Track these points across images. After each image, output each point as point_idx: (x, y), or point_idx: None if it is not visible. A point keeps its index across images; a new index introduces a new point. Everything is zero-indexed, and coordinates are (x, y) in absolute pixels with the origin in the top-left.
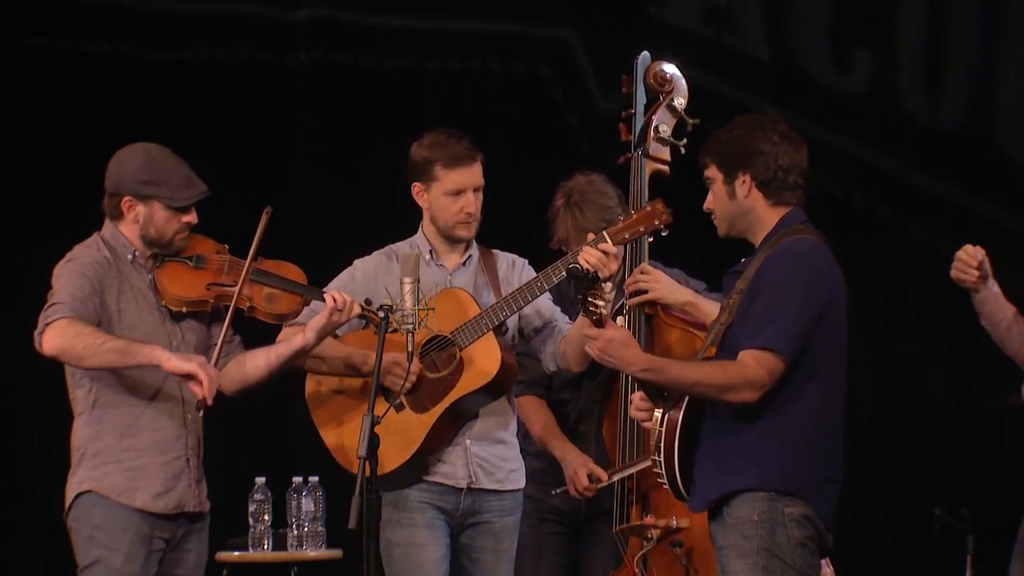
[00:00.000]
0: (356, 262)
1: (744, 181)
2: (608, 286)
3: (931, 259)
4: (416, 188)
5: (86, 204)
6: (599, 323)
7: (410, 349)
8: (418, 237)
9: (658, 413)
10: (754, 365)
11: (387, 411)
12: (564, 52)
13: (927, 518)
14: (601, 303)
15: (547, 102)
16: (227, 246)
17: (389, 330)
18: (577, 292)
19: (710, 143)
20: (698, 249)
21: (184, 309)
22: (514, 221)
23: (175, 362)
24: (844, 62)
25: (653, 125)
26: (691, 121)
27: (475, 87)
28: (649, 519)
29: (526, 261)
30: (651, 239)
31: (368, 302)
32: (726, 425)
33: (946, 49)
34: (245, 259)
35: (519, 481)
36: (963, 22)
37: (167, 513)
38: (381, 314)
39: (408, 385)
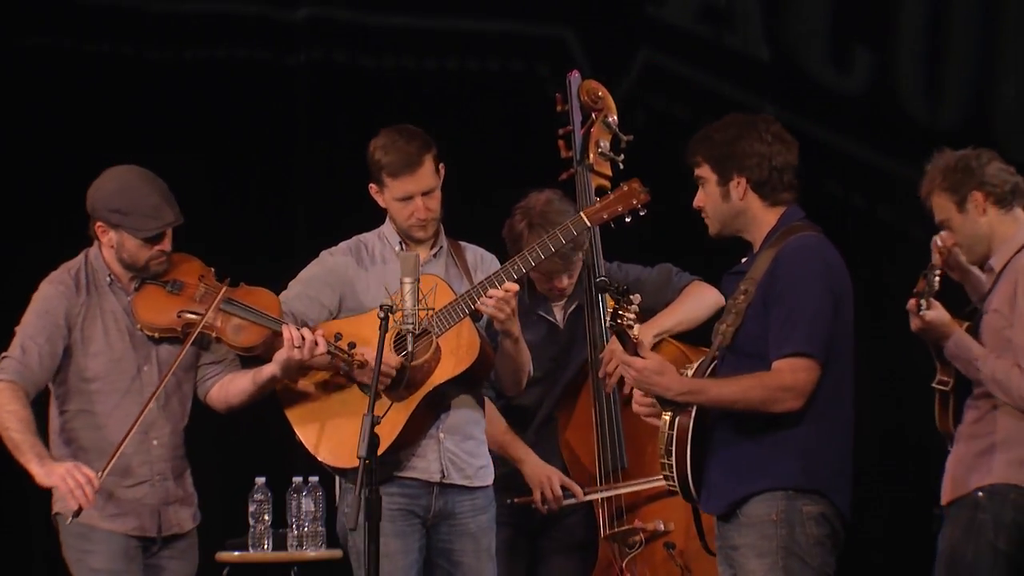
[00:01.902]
0: (323, 253)
1: (739, 183)
2: (637, 297)
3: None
4: (372, 189)
5: (86, 205)
6: (628, 344)
7: (410, 349)
8: (387, 229)
9: (667, 415)
10: (790, 372)
11: (387, 412)
12: (561, 51)
13: (927, 518)
14: (631, 315)
15: (544, 101)
16: (212, 269)
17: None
18: (603, 291)
19: (702, 141)
20: (697, 247)
21: (156, 335)
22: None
23: (40, 476)
24: (844, 62)
25: (594, 140)
26: (625, 137)
27: (473, 86)
28: (637, 523)
29: (494, 256)
30: (629, 219)
31: (338, 337)
32: (742, 426)
33: (946, 49)
34: (234, 289)
35: (488, 478)
36: (963, 22)
37: (129, 534)
38: (381, 314)
39: (386, 380)
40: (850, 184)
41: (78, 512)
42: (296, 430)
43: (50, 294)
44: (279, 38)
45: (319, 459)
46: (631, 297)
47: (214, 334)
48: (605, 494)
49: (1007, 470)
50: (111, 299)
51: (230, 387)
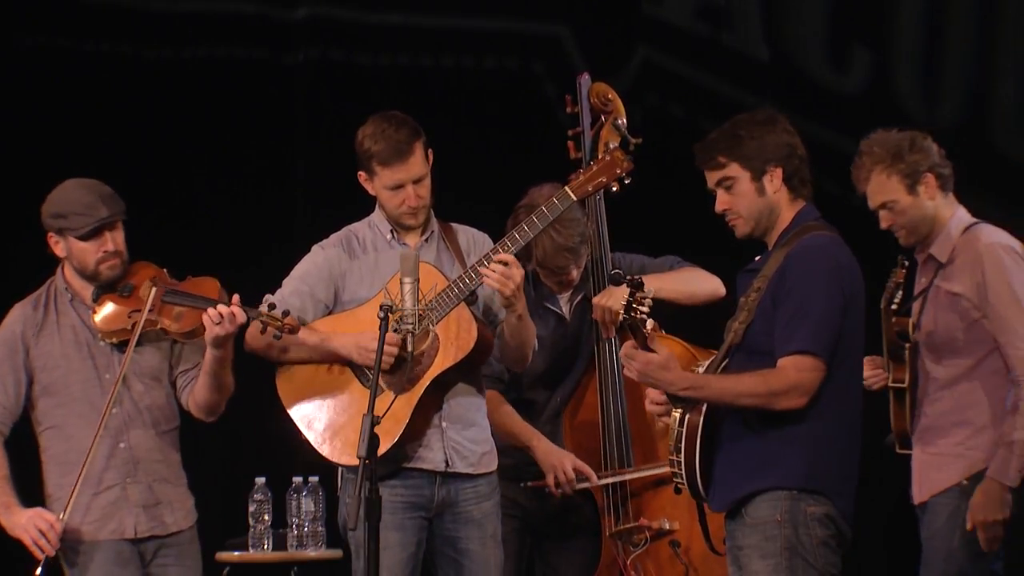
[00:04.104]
0: (314, 248)
1: (773, 177)
2: (651, 290)
3: None
4: (361, 176)
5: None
6: (639, 336)
7: (410, 349)
8: (377, 217)
9: (677, 413)
10: (794, 370)
11: (387, 411)
12: (557, 49)
13: None
14: (645, 309)
15: (540, 99)
16: (165, 270)
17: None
18: (617, 283)
19: (725, 142)
20: (697, 243)
21: (114, 340)
22: (506, 216)
23: (9, 531)
24: (842, 61)
25: (604, 141)
26: (633, 140)
27: (470, 84)
28: (643, 521)
29: (486, 235)
30: (616, 188)
31: (272, 307)
32: (749, 425)
33: (944, 48)
34: (178, 282)
35: (492, 464)
36: (961, 21)
37: (108, 539)
38: (381, 314)
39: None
40: (848, 184)
41: (45, 564)
42: (300, 428)
43: (11, 318)
44: (277, 37)
45: (324, 456)
46: (645, 290)
47: (158, 327)
48: (615, 479)
49: (988, 454)
50: (71, 315)
51: (194, 388)
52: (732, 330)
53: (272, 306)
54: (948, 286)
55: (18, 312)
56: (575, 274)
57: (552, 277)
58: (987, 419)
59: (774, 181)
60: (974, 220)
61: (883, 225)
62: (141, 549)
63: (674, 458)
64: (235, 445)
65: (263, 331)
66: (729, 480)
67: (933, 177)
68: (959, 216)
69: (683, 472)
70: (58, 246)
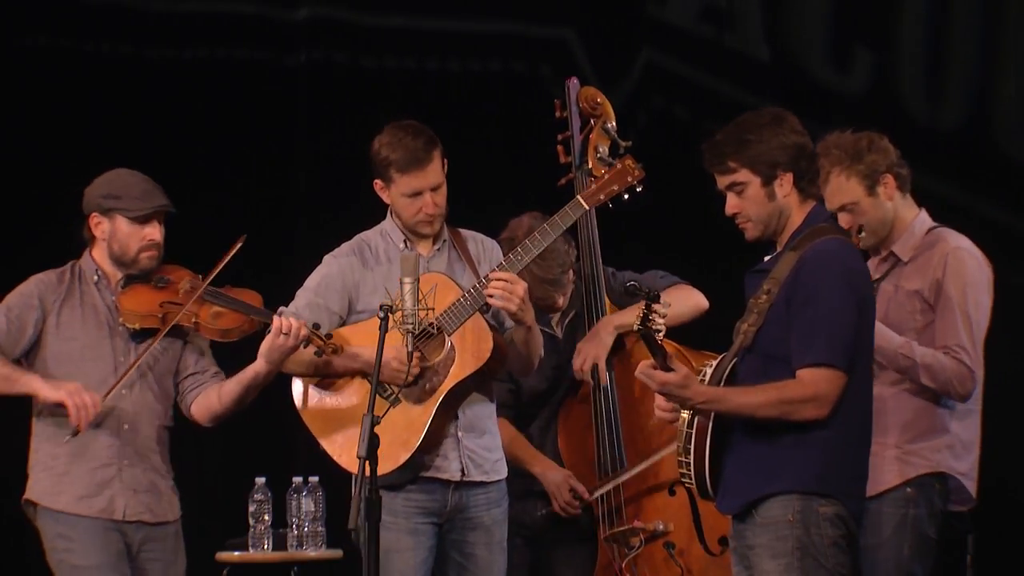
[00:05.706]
0: (327, 258)
1: (783, 181)
2: (667, 302)
3: None
4: (377, 184)
5: (82, 209)
6: (659, 354)
7: (410, 349)
8: (389, 225)
9: (685, 414)
10: (811, 382)
11: (387, 411)
12: (563, 52)
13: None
14: (660, 320)
15: (546, 102)
16: (201, 276)
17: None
18: (633, 295)
19: (733, 146)
20: (701, 245)
21: (138, 325)
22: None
23: (47, 391)
24: (844, 62)
25: (593, 145)
26: (623, 143)
27: (474, 87)
28: (637, 523)
29: (495, 242)
30: (627, 197)
31: (316, 326)
32: (759, 427)
33: (946, 49)
34: (214, 285)
35: (503, 471)
36: (963, 22)
37: (95, 516)
38: (381, 314)
39: (409, 377)
40: None
41: (76, 432)
42: (317, 438)
43: (31, 280)
44: (279, 38)
45: (341, 467)
46: (661, 303)
47: (193, 320)
48: (612, 483)
49: (929, 461)
50: (95, 294)
51: (213, 394)
52: (741, 332)
53: (317, 326)
54: (907, 285)
55: (41, 277)
56: (561, 301)
57: (539, 303)
58: (927, 423)
59: (784, 185)
60: (936, 224)
61: (847, 226)
62: (128, 539)
63: (683, 459)
64: (235, 445)
65: (304, 346)
66: (740, 483)
67: (892, 177)
68: (922, 218)
69: (691, 473)
70: (99, 227)
